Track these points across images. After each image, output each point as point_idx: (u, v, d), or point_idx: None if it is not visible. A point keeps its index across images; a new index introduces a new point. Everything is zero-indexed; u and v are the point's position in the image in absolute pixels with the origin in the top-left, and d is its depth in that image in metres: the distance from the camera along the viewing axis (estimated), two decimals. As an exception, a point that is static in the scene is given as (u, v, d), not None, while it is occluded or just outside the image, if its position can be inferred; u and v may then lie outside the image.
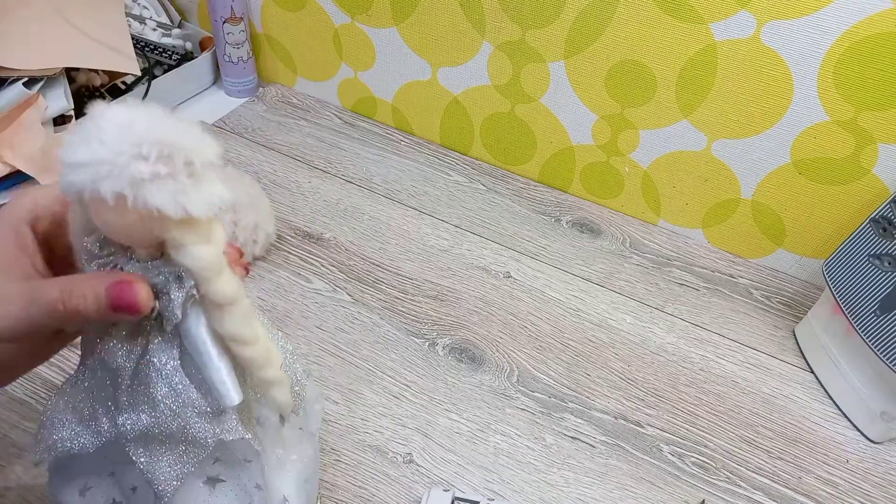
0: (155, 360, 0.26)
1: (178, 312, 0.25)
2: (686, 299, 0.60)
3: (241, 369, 0.27)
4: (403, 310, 0.55)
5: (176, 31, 0.79)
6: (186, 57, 0.78)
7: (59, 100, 0.60)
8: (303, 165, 0.69)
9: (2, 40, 0.58)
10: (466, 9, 0.63)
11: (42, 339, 0.29)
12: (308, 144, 0.72)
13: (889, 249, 0.47)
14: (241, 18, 0.73)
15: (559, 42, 0.60)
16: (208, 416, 0.27)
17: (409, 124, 0.76)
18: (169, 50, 0.76)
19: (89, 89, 0.70)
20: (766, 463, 0.47)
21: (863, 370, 0.50)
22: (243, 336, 0.26)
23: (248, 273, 0.32)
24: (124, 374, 0.26)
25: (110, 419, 0.27)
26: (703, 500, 0.44)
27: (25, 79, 0.58)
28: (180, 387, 0.26)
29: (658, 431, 0.48)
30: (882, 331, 0.46)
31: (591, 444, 0.47)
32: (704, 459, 0.47)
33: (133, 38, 0.69)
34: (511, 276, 0.59)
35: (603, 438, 0.47)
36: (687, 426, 0.49)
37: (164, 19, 0.79)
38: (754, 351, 0.56)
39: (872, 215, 0.49)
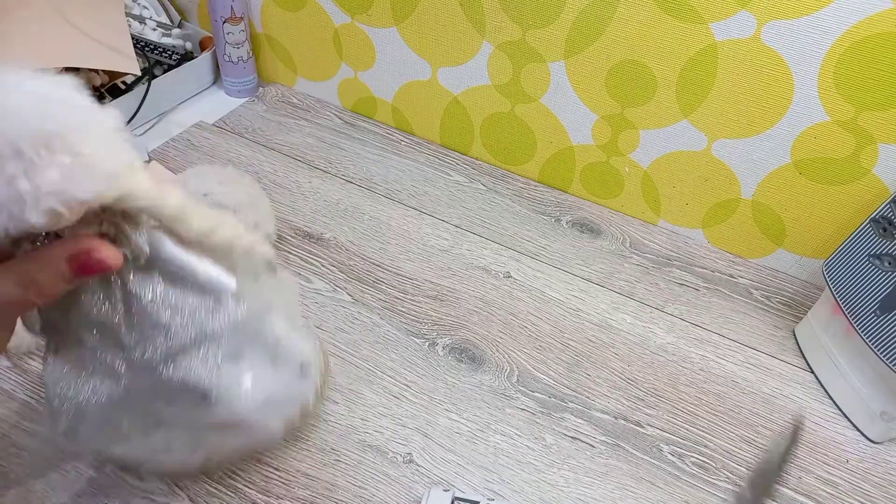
0: (142, 294, 0.27)
1: (146, 248, 0.26)
2: (686, 299, 0.60)
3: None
4: (403, 310, 0.55)
5: (176, 31, 0.79)
6: (186, 57, 0.78)
7: (59, 100, 0.60)
8: (303, 165, 0.69)
9: (2, 40, 0.58)
10: (466, 9, 0.63)
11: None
12: (308, 144, 0.72)
13: (889, 249, 0.47)
14: (241, 18, 0.73)
15: (559, 42, 0.60)
16: (213, 308, 0.29)
17: (409, 124, 0.76)
18: (169, 50, 0.76)
19: (89, 89, 0.70)
20: (766, 463, 0.47)
21: (863, 370, 0.50)
22: (207, 228, 0.28)
23: None
24: (117, 318, 0.27)
25: (124, 359, 0.29)
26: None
27: (25, 79, 0.58)
28: (178, 302, 0.28)
29: (658, 431, 0.48)
30: (882, 331, 0.46)
31: (591, 444, 0.47)
32: (704, 459, 0.47)
33: (133, 38, 0.69)
34: (511, 276, 0.59)
35: (603, 438, 0.47)
36: (687, 426, 0.49)
37: (164, 19, 0.79)
38: (754, 351, 0.56)
39: (872, 215, 0.49)
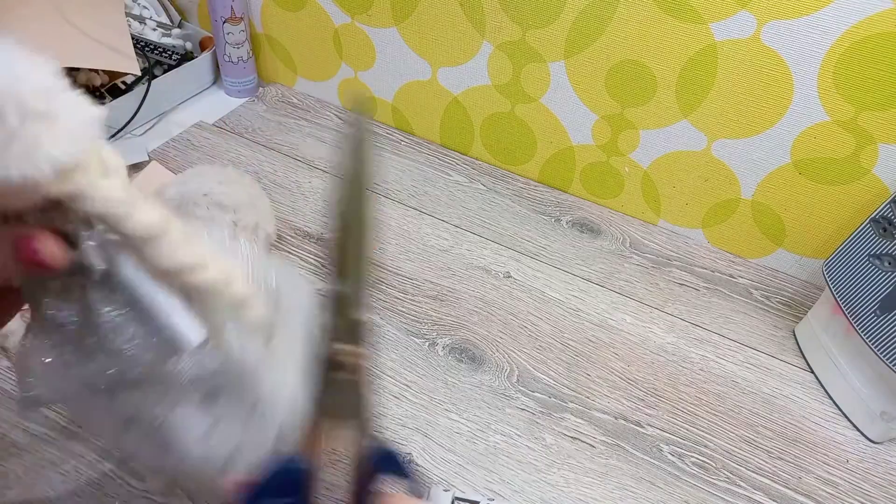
0: (100, 312, 0.24)
1: (97, 261, 0.23)
2: (686, 299, 0.60)
3: (205, 302, 0.25)
4: (403, 310, 0.55)
5: (176, 31, 0.79)
6: (186, 57, 0.78)
7: (59, 100, 0.60)
8: (303, 165, 0.69)
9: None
10: (466, 9, 0.63)
11: None
12: (308, 144, 0.72)
13: (889, 249, 0.47)
14: (241, 18, 0.73)
15: (559, 42, 0.60)
16: (171, 353, 0.25)
17: (409, 124, 0.76)
18: (169, 50, 0.76)
19: (89, 89, 0.70)
20: (766, 463, 0.47)
21: (863, 370, 0.49)
22: (186, 264, 0.23)
23: None
24: (76, 327, 0.25)
25: (81, 365, 0.25)
26: None
27: (25, 79, 0.58)
28: (134, 334, 0.24)
29: (658, 431, 0.48)
30: (882, 331, 0.46)
31: (591, 444, 0.47)
32: (704, 459, 0.47)
33: (133, 38, 0.69)
34: (511, 276, 0.59)
35: (603, 438, 0.47)
36: (687, 426, 0.49)
37: (164, 19, 0.79)
38: (754, 351, 0.56)
39: (872, 215, 0.49)
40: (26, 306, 0.27)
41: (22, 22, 0.60)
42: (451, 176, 0.71)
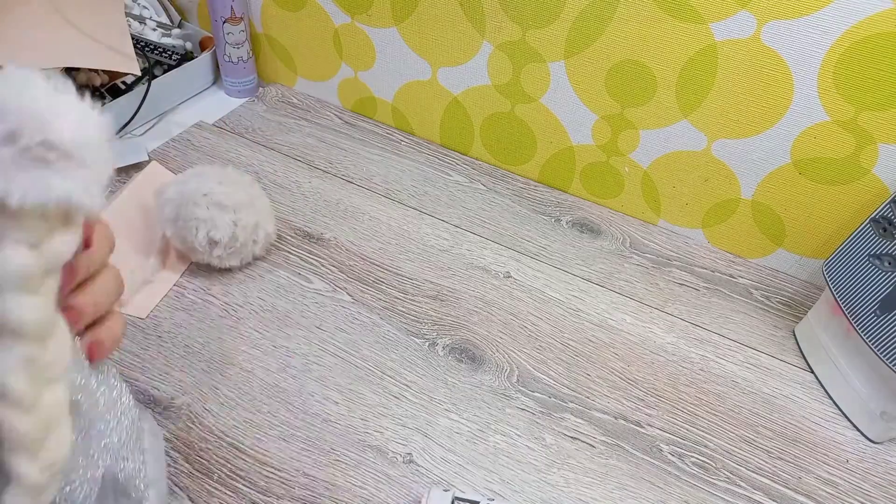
0: None
1: None
2: (686, 299, 0.60)
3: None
4: (403, 310, 0.55)
5: (176, 31, 0.79)
6: (186, 57, 0.78)
7: (59, 100, 0.60)
8: (303, 165, 0.69)
9: (2, 40, 0.58)
10: (466, 9, 0.63)
11: None
12: (308, 144, 0.72)
13: (889, 249, 0.47)
14: (241, 18, 0.73)
15: (559, 42, 0.60)
16: None
17: (409, 124, 0.76)
18: (169, 50, 0.76)
19: (89, 89, 0.70)
20: (766, 463, 0.47)
21: (863, 370, 0.49)
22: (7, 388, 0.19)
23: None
24: None
25: None
26: None
27: (25, 79, 0.58)
28: None
29: (658, 431, 0.48)
30: (882, 331, 0.46)
31: (591, 444, 0.47)
32: (704, 459, 0.47)
33: (133, 38, 0.69)
34: (511, 276, 0.59)
35: (603, 438, 0.47)
36: (687, 426, 0.49)
37: (164, 19, 0.79)
38: (754, 351, 0.56)
39: (872, 215, 0.49)
40: None
41: (22, 22, 0.60)
42: (451, 176, 0.71)
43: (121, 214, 0.59)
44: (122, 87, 0.72)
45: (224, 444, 0.44)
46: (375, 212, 0.64)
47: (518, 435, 0.47)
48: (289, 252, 0.59)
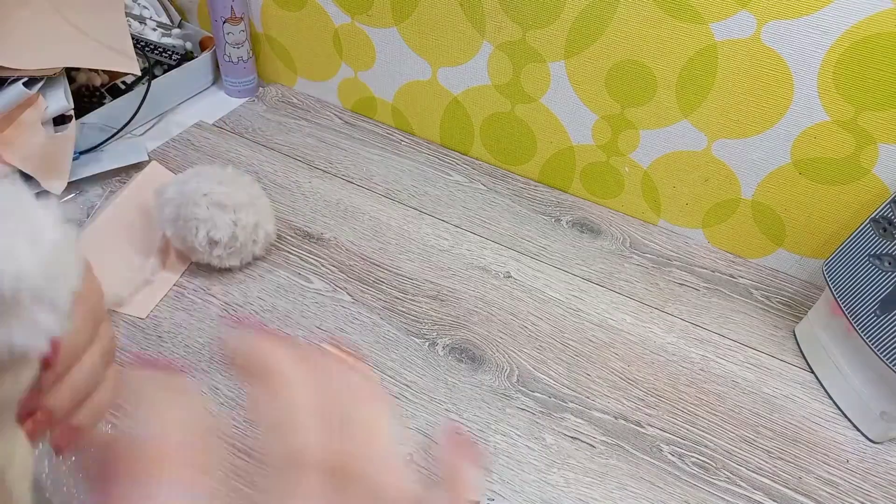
0: None
1: None
2: (686, 299, 0.60)
3: None
4: (403, 310, 0.55)
5: (176, 31, 0.79)
6: (186, 57, 0.78)
7: (59, 100, 0.60)
8: (303, 165, 0.69)
9: (2, 40, 0.58)
10: (466, 9, 0.63)
11: None
12: (308, 144, 0.72)
13: (889, 249, 0.47)
14: (241, 18, 0.73)
15: (559, 42, 0.60)
16: None
17: (409, 124, 0.76)
18: (169, 50, 0.76)
19: (89, 89, 0.70)
20: (766, 463, 0.47)
21: (863, 370, 0.49)
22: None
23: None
24: None
25: None
26: None
27: (25, 79, 0.58)
28: None
29: (658, 431, 0.48)
30: (882, 331, 0.46)
31: (591, 444, 0.47)
32: (704, 459, 0.47)
33: (133, 38, 0.69)
34: (511, 276, 0.59)
35: (603, 438, 0.47)
36: (687, 426, 0.49)
37: (164, 19, 0.79)
38: (754, 351, 0.56)
39: (872, 215, 0.49)
40: None
41: (22, 23, 0.60)
42: (451, 176, 0.71)
43: (121, 214, 0.59)
44: (122, 87, 0.72)
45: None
46: (375, 212, 0.64)
47: (518, 435, 0.47)
48: (289, 252, 0.59)
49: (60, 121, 0.61)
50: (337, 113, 0.78)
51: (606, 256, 0.63)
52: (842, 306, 0.50)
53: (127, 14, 0.72)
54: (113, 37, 0.66)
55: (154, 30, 0.77)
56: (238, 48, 0.75)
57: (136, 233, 0.57)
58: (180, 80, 0.75)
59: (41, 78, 0.59)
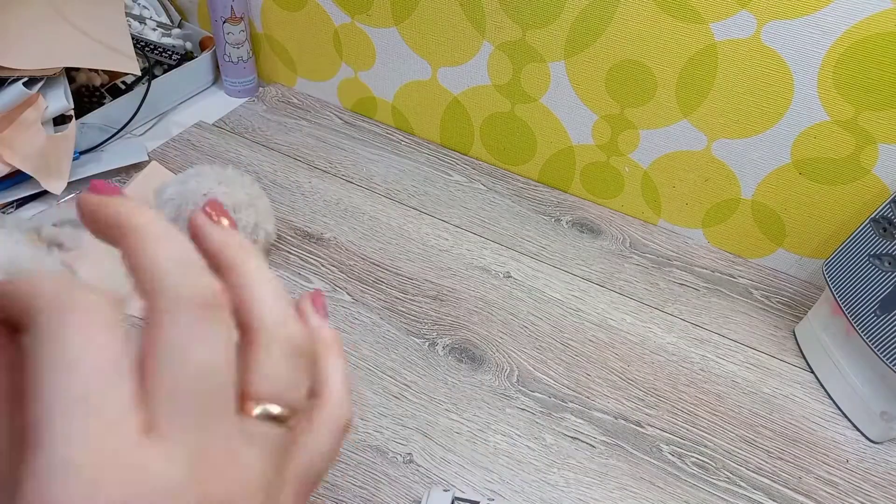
0: None
1: None
2: (686, 299, 0.60)
3: None
4: (403, 310, 0.55)
5: (176, 31, 0.79)
6: (186, 57, 0.78)
7: (59, 100, 0.60)
8: (303, 165, 0.69)
9: (2, 40, 0.58)
10: (466, 9, 0.63)
11: None
12: (308, 144, 0.72)
13: (889, 249, 0.47)
14: (241, 18, 0.73)
15: (559, 42, 0.60)
16: None
17: (409, 124, 0.76)
18: (169, 50, 0.76)
19: (89, 89, 0.70)
20: (766, 463, 0.47)
21: (863, 370, 0.49)
22: None
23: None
24: None
25: None
26: None
27: (25, 79, 0.58)
28: None
29: (658, 431, 0.48)
30: (882, 331, 0.46)
31: (591, 444, 0.47)
32: (704, 459, 0.47)
33: (133, 38, 0.69)
34: (511, 276, 0.59)
35: (603, 438, 0.47)
36: (687, 426, 0.49)
37: (164, 19, 0.79)
38: (754, 351, 0.56)
39: (872, 215, 0.49)
40: None
41: (22, 23, 0.60)
42: (451, 176, 0.71)
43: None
44: (122, 87, 0.72)
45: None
46: (375, 212, 0.64)
47: (518, 435, 0.47)
48: (289, 252, 0.59)
49: (60, 121, 0.61)
50: (337, 113, 0.78)
51: (606, 256, 0.63)
52: (842, 306, 0.50)
53: (127, 14, 0.72)
54: (113, 37, 0.66)
55: (154, 30, 0.77)
56: (238, 48, 0.75)
57: (136, 233, 0.57)
58: (180, 80, 0.75)
59: (41, 78, 0.59)
